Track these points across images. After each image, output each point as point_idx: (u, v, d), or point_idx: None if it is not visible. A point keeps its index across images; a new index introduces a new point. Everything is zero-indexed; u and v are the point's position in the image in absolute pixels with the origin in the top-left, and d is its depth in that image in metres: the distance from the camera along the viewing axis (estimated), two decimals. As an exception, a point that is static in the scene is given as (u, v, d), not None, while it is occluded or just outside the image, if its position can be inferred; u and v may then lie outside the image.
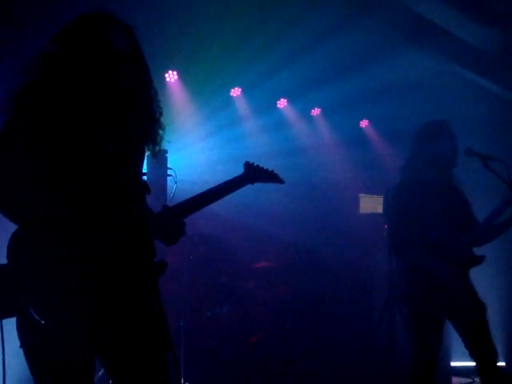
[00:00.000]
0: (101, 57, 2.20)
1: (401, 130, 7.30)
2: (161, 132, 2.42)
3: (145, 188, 2.35)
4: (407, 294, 4.09)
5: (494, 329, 6.43)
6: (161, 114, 2.42)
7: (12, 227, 2.17)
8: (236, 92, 6.94)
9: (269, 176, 2.83)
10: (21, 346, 2.17)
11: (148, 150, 2.42)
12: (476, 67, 6.40)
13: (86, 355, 2.22)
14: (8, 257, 2.13)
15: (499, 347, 6.60)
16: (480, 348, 4.06)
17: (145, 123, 2.34)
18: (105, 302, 2.16)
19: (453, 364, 7.00)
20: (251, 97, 7.01)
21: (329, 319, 6.27)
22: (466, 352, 6.26)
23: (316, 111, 7.66)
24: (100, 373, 4.45)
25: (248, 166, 2.81)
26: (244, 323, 5.62)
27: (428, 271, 3.90)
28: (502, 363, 6.73)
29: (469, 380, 6.35)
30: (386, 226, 6.70)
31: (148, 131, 2.37)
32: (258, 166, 2.86)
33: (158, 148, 2.42)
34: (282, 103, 7.38)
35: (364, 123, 8.01)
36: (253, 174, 2.79)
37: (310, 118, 7.68)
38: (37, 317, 2.04)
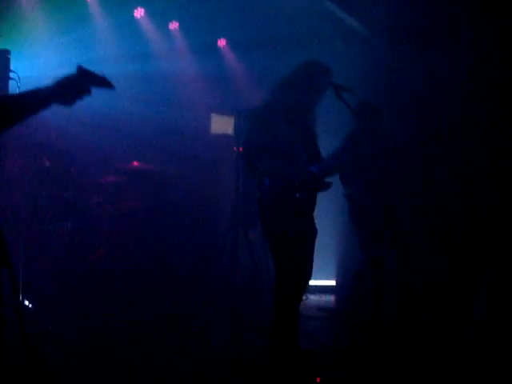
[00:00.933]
0: None
1: (258, 53, 7.35)
2: None
3: None
4: (267, 212, 4.14)
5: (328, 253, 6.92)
6: None
7: None
8: (91, -5, 6.47)
9: (99, 81, 2.65)
10: None
11: None
12: (341, 2, 6.46)
13: None
14: None
15: (331, 268, 7.16)
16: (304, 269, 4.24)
17: None
18: None
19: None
20: (106, 1, 6.59)
21: (173, 237, 6.31)
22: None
23: (174, 24, 7.40)
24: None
25: (80, 69, 2.62)
26: (87, 239, 5.50)
27: (285, 181, 4.00)
28: (332, 282, 7.23)
29: (303, 297, 6.75)
30: (235, 149, 6.78)
31: None
32: (90, 70, 2.67)
33: None
34: (139, 12, 7.03)
35: (221, 42, 7.88)
36: (83, 77, 2.61)
37: (167, 31, 7.41)
38: None
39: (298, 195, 4.03)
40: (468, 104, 5.91)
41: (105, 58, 6.33)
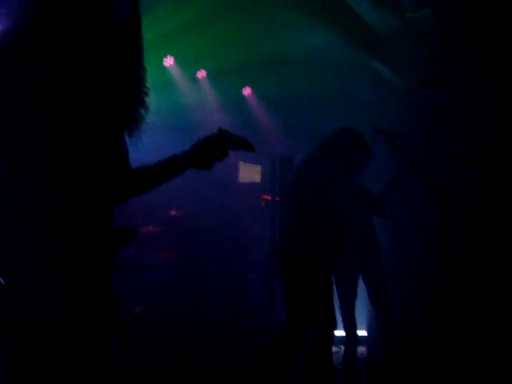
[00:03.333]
0: (98, 22, 2.02)
1: (284, 102, 7.39)
2: (143, 112, 2.28)
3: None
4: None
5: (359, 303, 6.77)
6: (147, 94, 2.29)
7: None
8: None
9: (240, 143, 2.54)
10: None
11: (126, 128, 2.28)
12: (369, 47, 6.52)
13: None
14: None
15: (362, 318, 7.00)
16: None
17: (129, 101, 2.23)
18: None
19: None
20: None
21: (206, 289, 6.20)
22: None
23: (202, 73, 7.45)
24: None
25: (221, 131, 2.50)
26: (127, 291, 5.38)
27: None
28: (363, 332, 7.09)
29: (336, 349, 6.60)
30: (264, 197, 6.73)
31: (131, 109, 2.25)
32: (231, 133, 2.57)
33: (136, 128, 2.29)
34: (169, 61, 7.08)
35: (247, 91, 7.94)
36: (224, 140, 2.51)
37: (195, 80, 7.46)
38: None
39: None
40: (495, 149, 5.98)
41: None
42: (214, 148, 2.30)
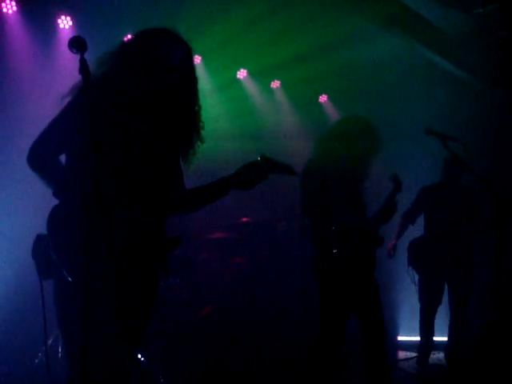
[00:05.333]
0: (156, 69, 2.47)
1: (361, 108, 7.37)
2: (199, 144, 2.67)
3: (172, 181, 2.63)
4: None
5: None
6: (203, 127, 2.68)
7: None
8: (196, 59, 6.79)
9: (282, 168, 2.70)
10: (55, 301, 2.39)
11: (182, 156, 2.67)
12: (438, 48, 6.44)
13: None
14: (48, 228, 2.34)
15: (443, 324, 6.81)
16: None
17: (186, 134, 2.64)
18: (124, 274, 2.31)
19: (399, 338, 7.19)
20: (211, 65, 6.89)
21: (281, 294, 6.27)
22: (412, 327, 6.48)
23: (276, 83, 7.63)
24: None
25: (263, 158, 2.66)
26: (196, 294, 5.58)
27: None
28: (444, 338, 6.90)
29: (414, 354, 6.49)
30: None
31: (188, 140, 2.65)
32: (273, 159, 2.72)
33: (191, 156, 2.67)
34: (242, 74, 7.31)
35: (323, 98, 8.01)
36: (265, 165, 2.66)
37: (269, 90, 7.64)
38: (69, 278, 2.26)
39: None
40: None
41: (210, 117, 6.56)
42: (256, 172, 2.58)
